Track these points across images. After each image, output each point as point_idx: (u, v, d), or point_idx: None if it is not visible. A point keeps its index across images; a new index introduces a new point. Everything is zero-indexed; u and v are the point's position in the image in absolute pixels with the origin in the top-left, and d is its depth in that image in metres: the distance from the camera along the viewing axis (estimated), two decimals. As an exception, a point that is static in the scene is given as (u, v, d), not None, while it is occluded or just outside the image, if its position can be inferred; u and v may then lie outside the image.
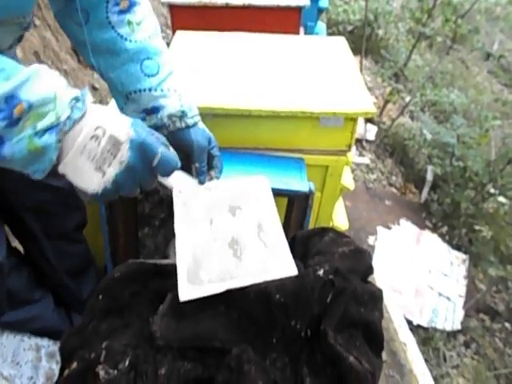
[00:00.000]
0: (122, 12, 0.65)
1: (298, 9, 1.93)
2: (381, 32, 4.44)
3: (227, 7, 1.91)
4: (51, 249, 1.14)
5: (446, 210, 2.11)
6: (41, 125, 0.46)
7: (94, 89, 2.54)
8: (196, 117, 0.71)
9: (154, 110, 0.68)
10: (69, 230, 1.16)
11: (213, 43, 1.42)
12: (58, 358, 1.07)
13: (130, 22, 0.66)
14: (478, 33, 3.05)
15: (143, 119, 0.68)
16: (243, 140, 1.14)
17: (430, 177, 2.38)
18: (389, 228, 1.83)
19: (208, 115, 1.10)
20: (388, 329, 0.76)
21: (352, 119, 1.22)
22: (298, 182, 1.16)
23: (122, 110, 0.72)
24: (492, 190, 1.92)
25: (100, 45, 0.67)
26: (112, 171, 0.52)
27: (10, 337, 0.98)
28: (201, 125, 0.72)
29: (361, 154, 2.45)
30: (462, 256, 1.90)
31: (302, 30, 2.29)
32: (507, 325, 1.96)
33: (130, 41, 0.66)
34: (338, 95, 1.26)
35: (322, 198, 1.43)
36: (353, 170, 2.28)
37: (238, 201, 0.73)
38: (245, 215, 0.71)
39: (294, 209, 1.19)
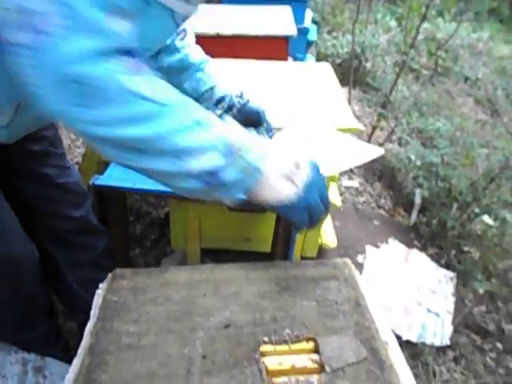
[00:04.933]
0: (182, 39, 0.94)
1: (286, 38, 2.03)
2: (368, 65, 4.60)
3: (218, 37, 2.00)
4: (75, 280, 1.15)
5: (434, 231, 2.15)
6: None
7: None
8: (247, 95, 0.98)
9: (224, 98, 0.94)
10: (95, 257, 1.16)
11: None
12: (45, 372, 1.07)
13: (188, 45, 0.95)
14: (457, 63, 3.18)
15: (215, 108, 0.93)
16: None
17: (418, 200, 2.43)
18: (377, 247, 1.86)
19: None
20: (370, 328, 0.78)
21: (336, 136, 1.28)
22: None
23: None
24: (477, 210, 1.97)
25: (173, 66, 0.93)
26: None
27: (-5, 350, 0.98)
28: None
29: (350, 178, 2.50)
30: (449, 274, 1.92)
31: (291, 61, 2.38)
32: (498, 345, 1.96)
33: (192, 57, 0.94)
34: (322, 114, 1.32)
35: (309, 215, 1.46)
36: (342, 193, 2.33)
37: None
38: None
39: (282, 223, 1.22)
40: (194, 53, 0.95)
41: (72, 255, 1.12)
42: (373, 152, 0.93)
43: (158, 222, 1.92)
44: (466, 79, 5.22)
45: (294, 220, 0.72)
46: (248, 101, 0.96)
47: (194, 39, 0.99)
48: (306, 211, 0.70)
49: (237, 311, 0.80)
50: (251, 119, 0.94)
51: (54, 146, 1.08)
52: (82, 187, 1.15)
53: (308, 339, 0.75)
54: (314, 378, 0.69)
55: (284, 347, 0.74)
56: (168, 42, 0.93)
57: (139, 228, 1.86)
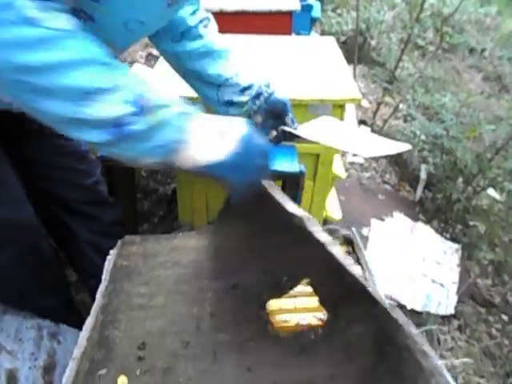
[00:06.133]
0: (205, 26, 0.92)
1: (289, 13, 2.02)
2: (373, 42, 4.54)
3: (221, 13, 1.99)
4: (88, 243, 1.17)
5: (439, 205, 2.16)
6: None
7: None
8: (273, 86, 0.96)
9: (251, 86, 0.92)
10: (104, 228, 1.19)
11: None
12: (60, 338, 1.11)
13: (211, 32, 0.93)
14: (462, 33, 3.12)
15: (242, 94, 0.92)
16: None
17: (423, 175, 2.43)
18: (382, 220, 1.88)
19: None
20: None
21: (340, 106, 1.29)
22: (290, 165, 1.22)
23: (211, 98, 0.94)
24: (482, 183, 1.97)
25: (196, 52, 0.91)
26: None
27: (12, 315, 1.02)
28: None
29: (355, 154, 2.50)
30: (454, 246, 1.93)
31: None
32: (504, 317, 1.98)
33: (216, 44, 0.92)
34: (325, 85, 1.33)
35: (314, 187, 1.48)
36: (347, 169, 2.33)
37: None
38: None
39: (287, 190, 1.24)
40: (218, 40, 0.94)
41: (83, 224, 1.15)
42: (400, 146, 0.95)
43: (166, 198, 1.94)
44: (471, 50, 5.13)
45: (230, 178, 0.66)
46: (274, 90, 0.94)
47: (216, 27, 0.97)
48: (241, 170, 0.65)
49: (243, 273, 0.82)
50: (276, 110, 0.93)
51: None
52: (91, 156, 1.17)
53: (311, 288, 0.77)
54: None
55: (290, 306, 0.76)
56: (190, 23, 0.90)
57: (147, 205, 1.89)
